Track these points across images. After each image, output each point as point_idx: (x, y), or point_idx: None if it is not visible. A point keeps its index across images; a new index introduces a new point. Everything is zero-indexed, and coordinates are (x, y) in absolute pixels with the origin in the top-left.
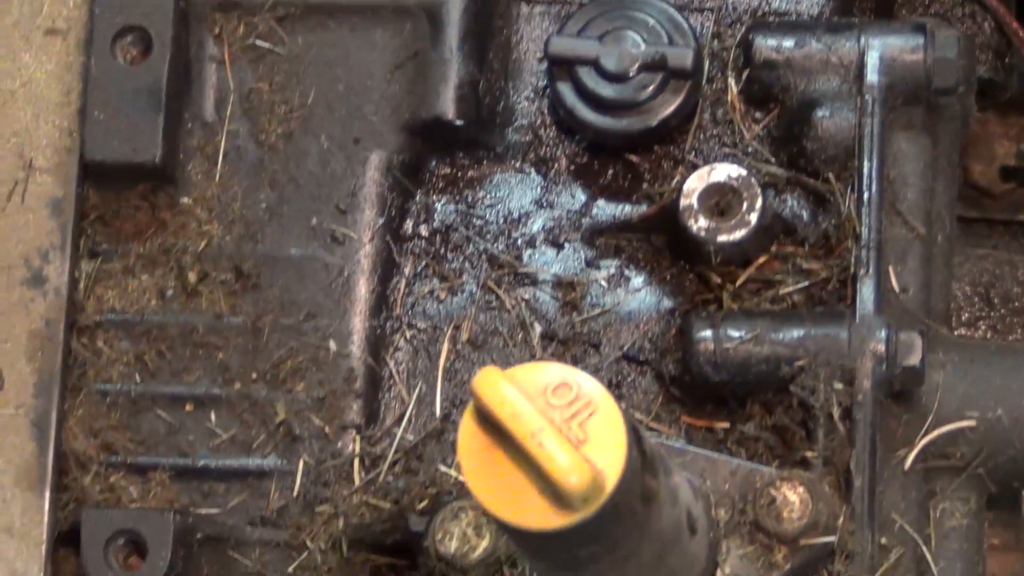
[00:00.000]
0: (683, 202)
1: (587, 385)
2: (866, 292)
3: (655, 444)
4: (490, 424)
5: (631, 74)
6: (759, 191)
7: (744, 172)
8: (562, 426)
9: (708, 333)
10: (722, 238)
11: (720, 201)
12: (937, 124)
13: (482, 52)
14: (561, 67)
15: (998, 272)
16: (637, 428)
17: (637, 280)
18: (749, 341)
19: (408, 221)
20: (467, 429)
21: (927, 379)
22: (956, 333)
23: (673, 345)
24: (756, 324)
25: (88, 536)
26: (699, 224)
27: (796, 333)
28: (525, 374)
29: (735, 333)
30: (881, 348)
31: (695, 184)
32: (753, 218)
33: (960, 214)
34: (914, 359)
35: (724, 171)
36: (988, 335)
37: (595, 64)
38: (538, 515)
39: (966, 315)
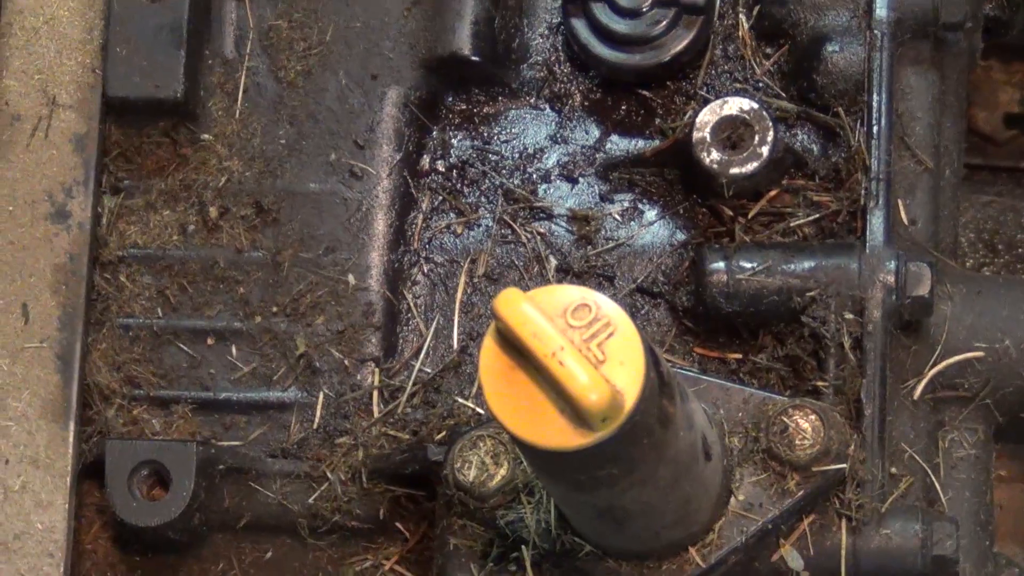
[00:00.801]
0: (696, 135)
1: (606, 306)
2: (876, 224)
3: (671, 369)
4: (511, 345)
5: (644, 9)
6: (771, 124)
7: (756, 105)
8: (581, 346)
9: (721, 265)
10: (734, 170)
11: (732, 134)
12: (944, 59)
13: None
14: (575, 3)
15: (1002, 219)
16: (655, 350)
17: (650, 214)
18: (761, 272)
19: (425, 156)
20: (488, 350)
21: (935, 310)
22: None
23: (686, 277)
24: (768, 256)
25: (112, 467)
26: (712, 157)
27: (807, 264)
28: (545, 296)
29: (747, 265)
30: (891, 279)
31: (708, 117)
32: (765, 150)
33: (964, 161)
34: (923, 289)
35: (736, 104)
36: None
37: (608, 0)
38: (558, 435)
39: (971, 261)
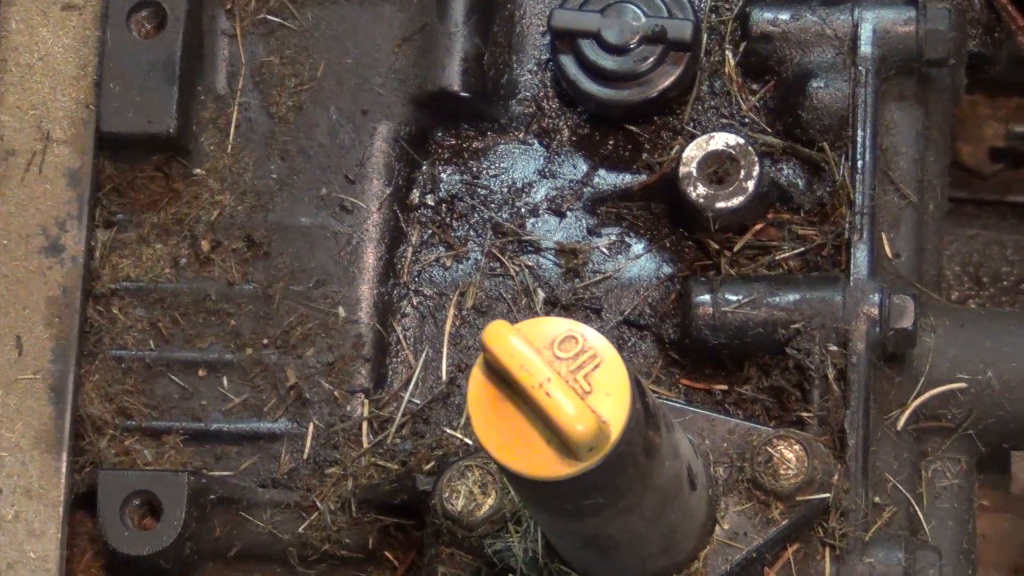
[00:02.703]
0: (682, 170)
1: (592, 338)
2: (860, 257)
3: (657, 400)
4: (499, 376)
5: (632, 46)
6: (756, 159)
7: (742, 140)
8: (568, 377)
9: (707, 297)
10: (720, 205)
11: (718, 169)
12: (928, 95)
13: (487, 25)
14: (563, 40)
15: (987, 252)
16: (640, 381)
17: (637, 247)
18: (746, 305)
19: (415, 191)
20: (477, 381)
21: (919, 342)
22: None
23: (672, 310)
24: (753, 288)
25: (104, 497)
26: (698, 191)
27: (792, 297)
28: (532, 328)
29: (733, 297)
30: (875, 311)
31: (694, 152)
32: (750, 185)
33: (950, 195)
34: (907, 322)
35: (722, 139)
36: None
37: (597, 36)
38: (545, 464)
39: (956, 294)
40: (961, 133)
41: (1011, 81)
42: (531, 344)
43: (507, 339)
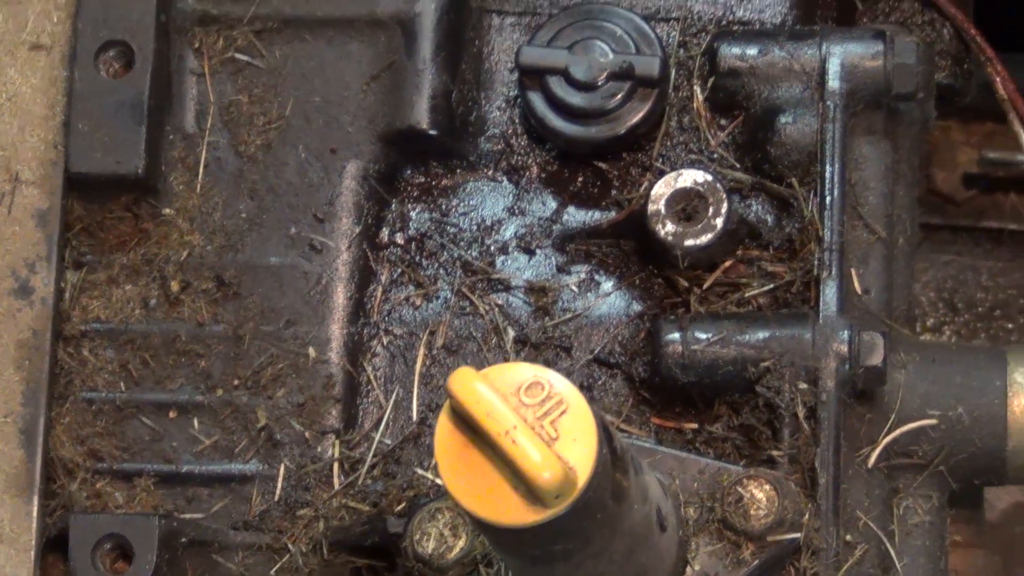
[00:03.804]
0: (651, 207)
1: (558, 384)
2: (829, 294)
3: (625, 442)
4: (465, 423)
5: (600, 83)
6: (725, 196)
7: (710, 177)
8: (535, 424)
9: (676, 336)
10: (689, 242)
11: (687, 206)
12: (897, 129)
13: (455, 63)
14: (531, 77)
15: (961, 278)
16: (607, 426)
17: (607, 285)
18: (716, 343)
19: (384, 229)
20: (443, 428)
21: (889, 378)
22: (922, 337)
23: (642, 348)
24: (723, 326)
25: (76, 541)
26: (666, 229)
27: (761, 335)
28: (498, 374)
29: (702, 335)
30: (844, 348)
31: (662, 190)
32: (719, 222)
33: (924, 221)
34: (876, 359)
35: (690, 176)
36: (953, 339)
37: (564, 73)
38: (512, 511)
39: (931, 320)
40: (935, 159)
41: (984, 107)
42: (497, 390)
43: (473, 386)
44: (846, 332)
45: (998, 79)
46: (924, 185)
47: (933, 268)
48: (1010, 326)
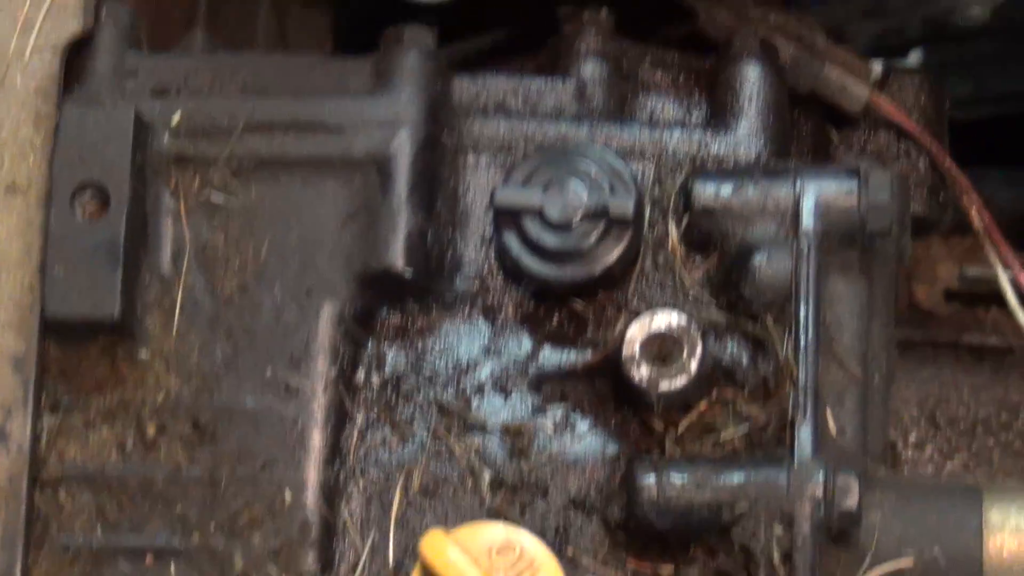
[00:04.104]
0: (625, 351)
1: (529, 545)
2: (804, 436)
3: None
4: None
5: (574, 223)
6: (699, 339)
7: (684, 320)
8: None
9: (651, 480)
10: (663, 386)
11: (661, 349)
12: (872, 265)
13: (430, 202)
14: (506, 217)
15: (943, 394)
16: None
17: (583, 426)
18: (691, 487)
19: (360, 370)
20: None
21: (865, 519)
22: (904, 455)
23: (618, 490)
24: (698, 470)
25: None
26: (641, 373)
27: (736, 478)
28: (470, 535)
29: (678, 479)
30: (819, 491)
31: (636, 333)
32: (693, 366)
33: (905, 336)
34: (851, 502)
35: (664, 319)
36: (935, 456)
37: (539, 214)
38: None
39: (913, 437)
40: (915, 274)
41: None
42: (469, 552)
43: (444, 552)
44: (821, 475)
45: (973, 209)
46: (905, 300)
47: (915, 384)
48: (991, 442)
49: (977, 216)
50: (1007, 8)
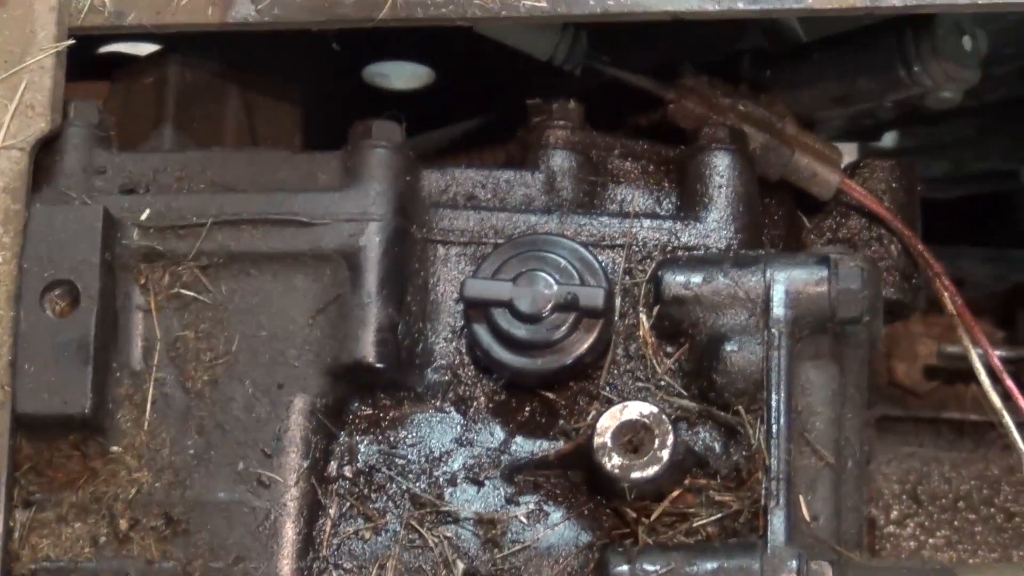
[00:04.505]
0: (596, 440)
1: None
2: (776, 523)
3: None
4: None
5: (544, 315)
6: (670, 428)
7: (655, 410)
8: None
9: (624, 569)
10: (635, 475)
11: (633, 438)
12: (844, 351)
13: (400, 295)
14: (476, 309)
15: (925, 470)
16: None
17: (556, 515)
18: (664, 575)
19: (332, 462)
20: None
21: None
22: (885, 531)
23: None
24: (671, 558)
25: None
26: (613, 462)
27: (709, 566)
28: None
29: (650, 568)
30: None
31: (608, 423)
32: (665, 455)
33: (886, 413)
34: None
35: (636, 409)
36: (917, 532)
37: (509, 306)
38: None
39: (895, 513)
40: (895, 351)
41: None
42: None
43: None
44: (794, 562)
45: (946, 294)
46: (885, 377)
47: (896, 460)
48: (973, 517)
49: (949, 300)
50: (979, 90)
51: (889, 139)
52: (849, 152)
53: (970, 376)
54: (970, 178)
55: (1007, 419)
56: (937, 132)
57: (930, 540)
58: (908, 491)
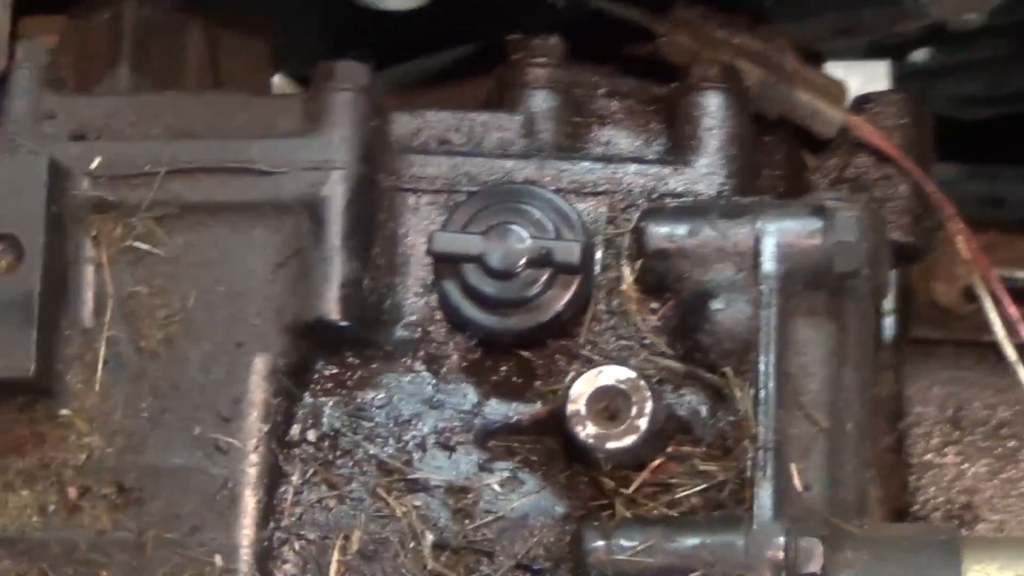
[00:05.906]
0: (570, 408)
1: None
2: (763, 496)
3: None
4: None
5: (517, 270)
6: (648, 395)
7: (633, 375)
8: None
9: (600, 544)
10: (611, 445)
11: (609, 405)
12: (843, 307)
13: (366, 248)
14: (446, 264)
15: (966, 395)
16: None
17: (531, 484)
18: (642, 552)
19: (295, 426)
20: None
21: None
22: (923, 460)
23: (568, 553)
24: (649, 533)
25: None
26: (587, 431)
27: (691, 541)
28: None
29: (627, 543)
30: (779, 556)
31: (582, 388)
32: (643, 423)
33: (925, 335)
34: (814, 567)
35: (612, 374)
36: (957, 460)
37: (479, 261)
38: None
39: (935, 440)
40: (934, 272)
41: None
42: None
43: None
44: (781, 538)
45: (959, 236)
46: (925, 297)
47: (936, 385)
48: (1013, 443)
49: (964, 244)
50: (1013, 7)
51: (920, 55)
52: (880, 72)
53: (1013, 298)
54: (1006, 98)
55: None
56: (969, 51)
57: (971, 469)
58: (948, 416)
